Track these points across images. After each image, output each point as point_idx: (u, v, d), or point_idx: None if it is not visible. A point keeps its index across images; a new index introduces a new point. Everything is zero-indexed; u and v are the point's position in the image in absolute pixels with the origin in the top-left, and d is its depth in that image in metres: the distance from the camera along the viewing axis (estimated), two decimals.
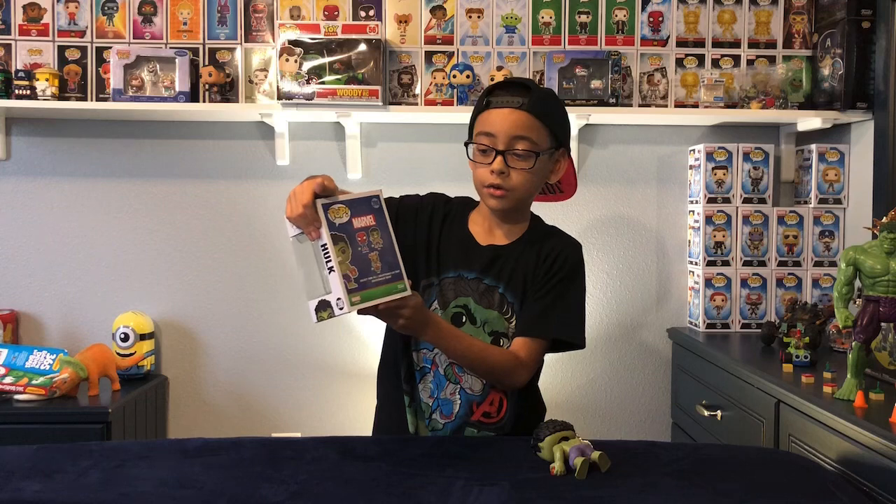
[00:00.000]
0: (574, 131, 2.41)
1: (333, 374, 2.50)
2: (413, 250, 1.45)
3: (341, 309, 1.15)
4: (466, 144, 1.46)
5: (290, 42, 2.26)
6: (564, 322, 1.43)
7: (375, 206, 1.23)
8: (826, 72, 2.36)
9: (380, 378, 1.56)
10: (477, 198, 1.51)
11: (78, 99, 2.37)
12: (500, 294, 1.43)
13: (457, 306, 1.43)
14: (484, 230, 1.48)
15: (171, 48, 2.35)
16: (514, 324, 1.43)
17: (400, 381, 1.46)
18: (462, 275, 1.44)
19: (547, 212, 1.60)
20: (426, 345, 1.43)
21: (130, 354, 2.30)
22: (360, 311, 1.18)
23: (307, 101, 2.26)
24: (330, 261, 1.15)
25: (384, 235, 1.22)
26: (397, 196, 1.52)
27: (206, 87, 2.33)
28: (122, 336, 2.31)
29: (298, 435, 2.42)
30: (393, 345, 1.49)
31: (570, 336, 1.44)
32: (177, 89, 2.29)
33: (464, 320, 1.43)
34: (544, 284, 1.42)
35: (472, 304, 1.43)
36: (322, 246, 1.17)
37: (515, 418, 1.45)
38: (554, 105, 1.45)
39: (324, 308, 1.17)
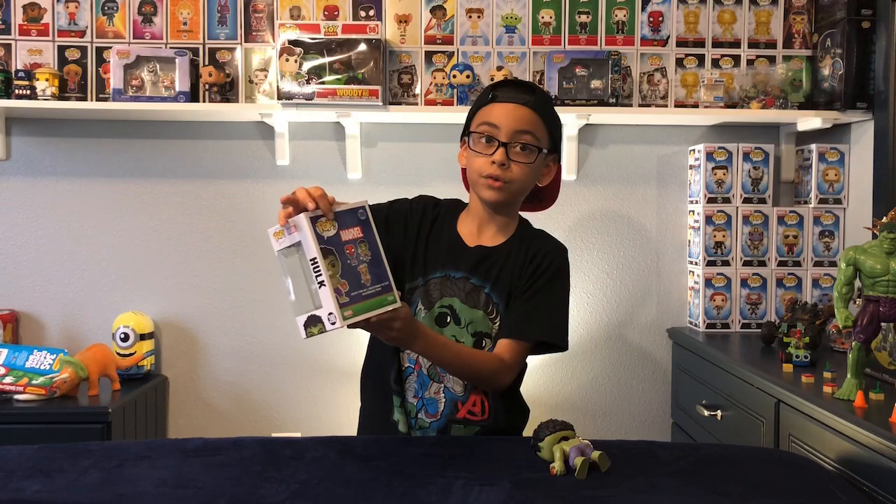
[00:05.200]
0: (574, 131, 2.41)
1: (333, 374, 2.50)
2: (402, 254, 1.46)
3: (333, 324, 1.13)
4: (464, 136, 1.46)
5: (290, 42, 2.26)
6: (548, 325, 1.44)
7: (362, 218, 1.21)
8: (826, 72, 2.36)
9: (364, 380, 1.57)
10: (466, 199, 1.52)
11: (78, 99, 2.37)
12: (486, 294, 1.44)
13: (442, 306, 1.44)
14: (472, 232, 1.49)
15: (171, 48, 2.35)
16: (497, 325, 1.44)
17: (388, 382, 1.46)
18: (449, 274, 1.45)
19: (546, 211, 1.59)
20: None
21: (130, 354, 2.30)
22: (351, 325, 1.17)
23: (307, 101, 2.26)
24: (320, 275, 1.13)
25: (372, 247, 1.20)
26: (387, 201, 1.53)
27: (206, 87, 2.32)
28: (122, 336, 2.31)
29: (298, 435, 2.42)
30: (380, 347, 1.49)
31: (553, 338, 1.44)
32: (177, 89, 2.29)
33: (448, 321, 1.43)
34: (529, 287, 1.43)
35: (458, 303, 1.43)
36: (311, 260, 1.14)
37: (500, 418, 1.46)
38: (554, 110, 1.49)
39: (314, 323, 1.15)
